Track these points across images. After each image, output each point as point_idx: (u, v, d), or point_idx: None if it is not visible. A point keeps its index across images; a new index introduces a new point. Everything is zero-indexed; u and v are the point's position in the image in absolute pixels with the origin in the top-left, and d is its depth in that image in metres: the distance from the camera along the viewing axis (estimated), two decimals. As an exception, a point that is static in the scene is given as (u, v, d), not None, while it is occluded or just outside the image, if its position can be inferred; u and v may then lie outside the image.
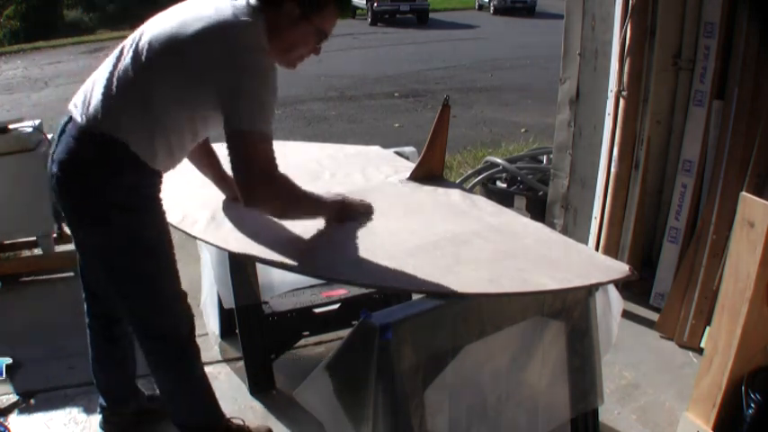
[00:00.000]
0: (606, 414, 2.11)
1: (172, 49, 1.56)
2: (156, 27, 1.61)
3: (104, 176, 1.59)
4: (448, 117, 2.20)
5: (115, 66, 1.60)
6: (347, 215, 1.82)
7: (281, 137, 2.62)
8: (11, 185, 3.04)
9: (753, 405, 1.81)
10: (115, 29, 19.73)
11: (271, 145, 1.57)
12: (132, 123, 1.57)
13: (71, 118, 1.63)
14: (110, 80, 1.59)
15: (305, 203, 1.71)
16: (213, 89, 1.55)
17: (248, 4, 1.62)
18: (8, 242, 3.34)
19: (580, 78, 3.11)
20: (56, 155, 1.63)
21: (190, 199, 1.98)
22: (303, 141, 3.07)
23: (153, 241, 1.68)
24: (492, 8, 22.36)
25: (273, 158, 1.58)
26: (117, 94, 1.57)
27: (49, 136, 3.24)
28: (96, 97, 1.59)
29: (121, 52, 1.62)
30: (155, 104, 1.58)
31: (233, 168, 1.57)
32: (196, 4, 1.64)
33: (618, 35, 2.77)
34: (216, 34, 1.54)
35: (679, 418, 2.04)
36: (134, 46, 1.60)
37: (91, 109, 1.59)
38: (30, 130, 3.10)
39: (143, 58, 1.57)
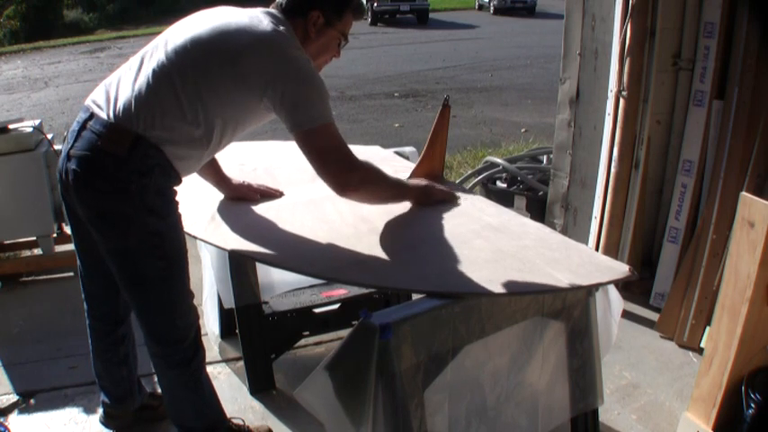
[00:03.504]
0: (606, 414, 2.11)
1: (221, 57, 1.57)
2: (191, 31, 1.61)
3: (132, 177, 1.56)
4: (448, 117, 2.20)
5: (147, 67, 1.59)
6: (430, 200, 1.96)
7: (282, 137, 2.62)
8: (11, 185, 3.04)
9: (753, 405, 1.81)
10: (115, 29, 19.78)
11: (339, 133, 1.64)
12: (169, 127, 1.57)
13: (92, 114, 1.59)
14: (143, 81, 1.57)
15: (390, 187, 1.84)
16: (270, 98, 1.58)
17: (276, 15, 1.66)
18: (8, 242, 3.34)
19: (580, 78, 3.11)
20: (74, 150, 1.58)
21: (189, 199, 1.98)
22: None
23: (171, 245, 1.67)
24: (492, 8, 22.38)
25: (346, 145, 1.65)
26: (155, 95, 1.55)
27: (50, 136, 3.24)
28: (126, 95, 1.57)
29: (153, 53, 1.61)
30: (200, 110, 1.58)
31: (317, 166, 1.63)
32: (226, 12, 1.66)
33: (618, 35, 2.77)
34: (266, 46, 1.58)
35: (679, 418, 2.04)
36: (169, 48, 1.58)
37: (120, 106, 1.56)
38: (30, 130, 3.09)
39: (186, 62, 1.57)
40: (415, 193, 1.93)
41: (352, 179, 1.67)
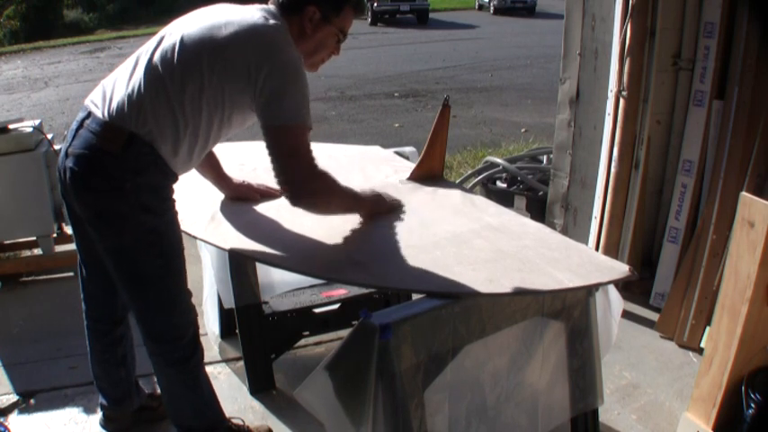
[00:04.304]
0: (606, 414, 2.11)
1: (206, 51, 1.57)
2: (183, 29, 1.61)
3: (127, 175, 1.57)
4: (448, 117, 2.20)
5: (140, 65, 1.60)
6: (379, 211, 1.89)
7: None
8: (11, 185, 3.04)
9: (753, 405, 1.81)
10: (115, 29, 19.77)
11: (308, 139, 1.61)
12: (160, 124, 1.57)
13: (90, 113, 1.60)
14: (136, 79, 1.58)
15: (345, 199, 1.76)
16: (251, 89, 1.57)
17: (270, 10, 1.65)
18: (8, 242, 3.34)
19: (580, 78, 3.11)
20: (71, 149, 1.59)
21: (189, 199, 1.98)
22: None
23: (167, 243, 1.67)
24: (492, 8, 22.37)
25: (313, 152, 1.62)
26: (146, 93, 1.56)
27: (50, 136, 3.24)
28: (120, 94, 1.58)
29: (147, 52, 1.61)
30: (187, 106, 1.58)
31: (278, 166, 1.59)
32: (221, 9, 1.67)
33: (618, 35, 2.77)
34: (251, 37, 1.58)
35: (679, 418, 2.04)
36: (161, 47, 1.59)
37: (114, 105, 1.57)
38: (30, 130, 3.09)
39: (174, 59, 1.57)
40: (368, 206, 1.86)
41: (310, 187, 1.62)
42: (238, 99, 1.61)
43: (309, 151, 1.61)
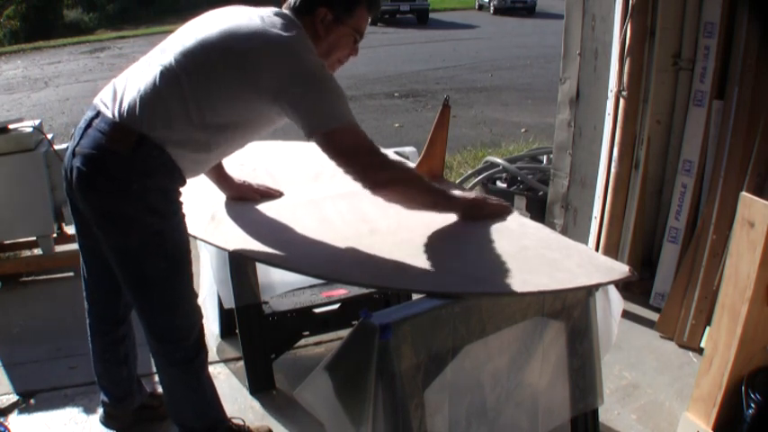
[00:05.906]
0: (606, 414, 2.11)
1: (227, 61, 1.55)
2: (201, 33, 1.59)
3: (135, 176, 1.56)
4: (448, 117, 2.20)
5: (154, 67, 1.58)
6: (481, 214, 1.84)
7: (283, 137, 2.62)
8: (11, 185, 3.04)
9: (753, 405, 1.81)
10: (115, 29, 19.77)
11: (362, 131, 1.60)
12: (172, 128, 1.56)
13: (99, 112, 1.59)
14: (149, 81, 1.56)
15: (429, 193, 1.73)
16: (282, 104, 1.56)
17: (288, 15, 1.64)
18: (8, 242, 3.34)
19: (580, 78, 3.11)
20: (79, 148, 1.58)
21: (190, 199, 1.98)
22: (304, 141, 3.06)
23: (173, 246, 1.66)
24: (492, 8, 22.37)
25: (372, 142, 1.61)
26: (159, 96, 1.54)
27: (50, 136, 3.24)
28: (131, 95, 1.56)
29: (161, 53, 1.60)
30: (205, 112, 1.56)
31: (344, 167, 1.59)
32: (238, 13, 1.64)
33: (618, 35, 2.77)
34: (278, 50, 1.55)
35: (679, 418, 2.04)
36: (177, 49, 1.57)
37: (125, 106, 1.55)
38: (30, 130, 3.09)
39: (192, 64, 1.55)
40: (463, 205, 1.82)
41: (380, 178, 1.63)
42: (265, 110, 1.61)
43: (366, 145, 1.60)
